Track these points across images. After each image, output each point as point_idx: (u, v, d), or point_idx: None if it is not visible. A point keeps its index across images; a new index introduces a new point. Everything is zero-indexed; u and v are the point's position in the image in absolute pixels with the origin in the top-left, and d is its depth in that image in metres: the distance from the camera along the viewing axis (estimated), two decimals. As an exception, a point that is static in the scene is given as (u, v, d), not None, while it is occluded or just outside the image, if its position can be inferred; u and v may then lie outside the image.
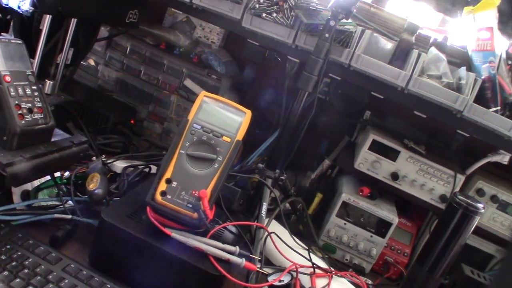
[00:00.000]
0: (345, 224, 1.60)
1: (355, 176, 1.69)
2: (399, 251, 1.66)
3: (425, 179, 1.56)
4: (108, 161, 1.50)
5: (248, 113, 1.18)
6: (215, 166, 1.11)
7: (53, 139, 1.18)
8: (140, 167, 1.51)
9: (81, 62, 1.95)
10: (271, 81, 1.79)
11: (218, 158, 1.12)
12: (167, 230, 1.07)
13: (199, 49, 1.97)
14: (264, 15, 1.40)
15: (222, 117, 1.16)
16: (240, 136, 1.15)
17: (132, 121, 1.86)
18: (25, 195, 1.25)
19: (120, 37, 1.91)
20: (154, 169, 1.54)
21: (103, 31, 1.92)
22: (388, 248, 1.64)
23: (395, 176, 1.57)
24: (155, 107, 1.92)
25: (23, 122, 1.05)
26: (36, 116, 1.09)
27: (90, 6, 1.39)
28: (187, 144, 1.12)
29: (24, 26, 1.41)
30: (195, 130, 1.13)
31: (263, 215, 1.31)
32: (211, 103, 1.17)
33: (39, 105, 1.11)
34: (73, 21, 1.44)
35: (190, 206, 1.07)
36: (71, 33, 1.46)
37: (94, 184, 1.20)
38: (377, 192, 1.63)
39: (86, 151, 1.24)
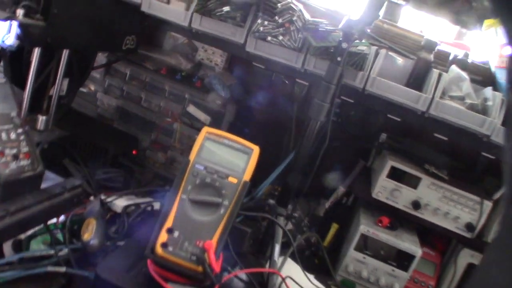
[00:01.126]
0: (364, 258, 1.48)
1: (372, 204, 1.57)
2: (423, 284, 1.54)
3: (449, 207, 1.44)
4: (108, 200, 1.39)
5: (256, 149, 1.07)
6: (221, 212, 1.00)
7: (43, 185, 1.08)
8: (142, 205, 1.40)
9: (81, 89, 1.87)
10: (279, 104, 1.69)
11: (224, 202, 1.01)
12: (169, 286, 0.96)
13: (202, 72, 1.86)
14: (269, 38, 1.29)
15: (227, 155, 1.06)
16: (247, 176, 1.04)
17: (134, 152, 1.76)
18: (17, 245, 1.15)
19: (119, 63, 1.82)
20: (157, 205, 1.44)
21: (101, 57, 1.83)
22: (411, 281, 1.52)
23: (416, 204, 1.45)
24: (158, 135, 1.82)
25: (7, 171, 0.95)
26: (22, 162, 0.99)
27: (82, 35, 1.29)
28: (189, 188, 1.01)
29: (15, 59, 1.32)
30: (198, 172, 1.02)
31: (276, 259, 1.19)
32: (214, 140, 1.06)
33: (26, 150, 1.01)
34: (66, 51, 1.35)
35: (194, 258, 0.96)
36: (64, 63, 1.36)
37: (89, 233, 1.10)
38: (398, 221, 1.52)
39: (80, 195, 1.13)
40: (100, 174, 1.56)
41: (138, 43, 1.60)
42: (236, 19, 1.29)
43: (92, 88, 1.90)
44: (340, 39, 1.20)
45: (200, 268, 0.96)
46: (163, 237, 0.97)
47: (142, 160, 1.82)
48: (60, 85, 1.39)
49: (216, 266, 0.96)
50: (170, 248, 0.97)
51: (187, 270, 0.97)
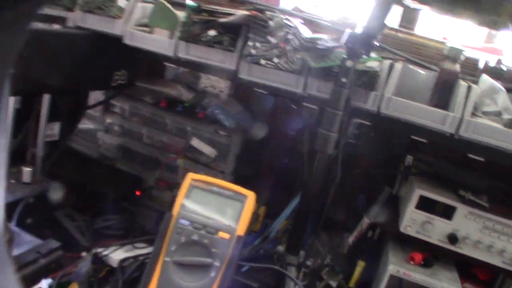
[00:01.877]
0: (397, 302, 1.28)
1: (402, 238, 1.37)
2: (469, 327, 1.32)
3: (493, 239, 1.23)
4: (104, 253, 1.26)
5: (251, 196, 0.91)
6: (212, 275, 0.85)
7: (16, 252, 0.95)
8: (141, 257, 1.26)
9: (84, 126, 1.77)
10: (291, 131, 1.52)
11: (215, 263, 0.85)
12: None
13: (207, 100, 1.73)
14: (263, 61, 1.13)
15: (217, 205, 0.90)
16: (241, 229, 0.88)
17: (137, 193, 1.63)
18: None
19: (117, 99, 1.70)
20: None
21: (99, 94, 1.72)
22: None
23: (453, 238, 1.24)
24: (162, 172, 1.68)
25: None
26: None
27: (60, 77, 1.18)
28: (172, 248, 0.86)
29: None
30: (183, 228, 0.87)
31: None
32: (201, 189, 0.91)
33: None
34: (46, 96, 1.23)
35: (182, 336, 0.81)
36: (46, 108, 1.25)
37: (68, 304, 0.96)
38: (433, 256, 1.31)
39: (59, 259, 1.00)
40: (99, 222, 1.44)
41: (131, 77, 1.47)
42: (224, 44, 1.14)
43: (92, 126, 1.80)
44: (344, 56, 1.03)
45: None
46: (144, 310, 0.83)
47: (147, 201, 1.69)
48: (44, 133, 1.28)
49: None
50: (153, 324, 0.82)
51: None
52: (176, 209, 0.89)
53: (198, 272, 0.85)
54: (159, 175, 1.69)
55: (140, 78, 1.68)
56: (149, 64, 1.75)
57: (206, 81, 1.73)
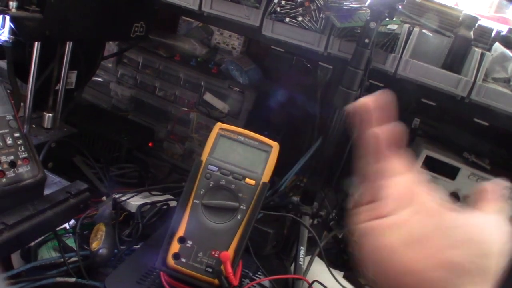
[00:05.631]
0: (397, 254, 1.36)
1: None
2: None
3: (492, 199, 1.30)
4: (122, 199, 1.32)
5: (275, 146, 0.96)
6: (238, 217, 0.91)
7: (47, 191, 1.00)
8: (158, 204, 1.32)
9: (95, 79, 1.79)
10: (302, 90, 1.56)
11: (241, 207, 0.91)
12: (184, 301, 0.87)
13: (219, 56, 1.75)
14: (287, 19, 1.16)
15: (243, 154, 0.95)
16: (266, 176, 0.93)
17: (150, 144, 1.68)
18: (26, 252, 1.09)
19: (131, 51, 1.72)
20: (173, 203, 1.35)
21: (112, 46, 1.73)
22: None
23: (455, 197, 1.32)
24: (174, 126, 1.73)
25: (4, 180, 0.87)
26: (21, 169, 0.91)
27: (84, 25, 1.20)
28: (202, 192, 0.92)
29: (19, 55, 1.23)
30: (211, 173, 0.92)
31: (301, 262, 1.09)
32: (228, 138, 0.96)
33: (24, 156, 0.93)
34: (69, 43, 1.25)
35: (210, 270, 0.87)
36: (68, 56, 1.27)
37: (98, 242, 1.02)
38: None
39: (87, 200, 1.05)
40: (114, 170, 1.49)
41: (148, 29, 1.49)
42: (250, 0, 1.16)
43: (105, 78, 1.82)
44: (368, 18, 1.06)
45: (216, 281, 0.87)
46: (174, 247, 0.89)
47: (159, 153, 1.74)
48: (65, 80, 1.30)
49: (234, 279, 0.87)
50: (183, 260, 0.88)
51: (203, 283, 0.88)
52: (205, 156, 0.93)
53: (225, 215, 0.90)
54: (171, 128, 1.73)
55: (153, 32, 1.70)
56: (162, 18, 1.76)
57: (219, 37, 1.75)
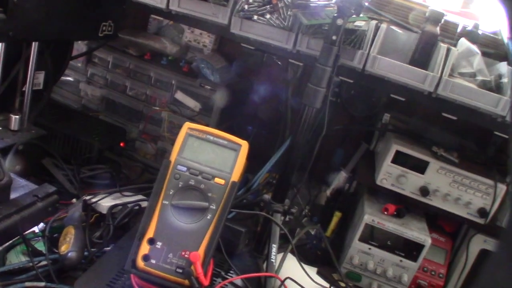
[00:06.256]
0: (369, 249, 1.38)
1: (377, 191, 1.46)
2: (433, 273, 1.44)
3: (460, 192, 1.33)
4: (92, 200, 1.30)
5: (244, 145, 0.96)
6: (208, 217, 0.90)
7: (13, 195, 0.98)
8: (130, 205, 1.31)
9: (64, 79, 1.75)
10: (273, 87, 1.56)
11: (211, 207, 0.91)
12: (153, 303, 0.87)
13: (190, 54, 1.74)
14: (255, 17, 1.16)
15: (212, 153, 0.95)
16: (236, 175, 0.93)
17: (121, 144, 1.65)
18: (-6, 257, 1.06)
19: (100, 50, 1.69)
20: (145, 204, 1.34)
21: (81, 45, 1.71)
22: (420, 270, 1.43)
23: (425, 191, 1.34)
24: (146, 125, 1.71)
25: (-34, 185, 0.85)
26: (-16, 174, 0.89)
27: (50, 25, 1.17)
28: (171, 192, 0.91)
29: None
30: (180, 174, 0.92)
31: (273, 260, 1.10)
32: (197, 137, 0.96)
33: (-13, 160, 0.90)
34: (35, 44, 1.23)
35: (180, 271, 0.87)
36: (35, 56, 1.24)
37: (67, 245, 1.00)
38: (405, 208, 1.41)
39: (55, 203, 1.03)
40: (85, 172, 1.46)
41: (116, 28, 1.47)
42: (218, -2, 1.16)
43: (74, 78, 1.79)
44: (335, 15, 1.07)
45: (187, 282, 0.87)
46: (144, 248, 0.88)
47: (131, 153, 1.72)
48: (32, 80, 1.27)
49: (205, 279, 0.87)
50: (153, 261, 0.88)
51: (173, 284, 0.87)
52: (173, 156, 0.93)
53: (195, 215, 0.90)
54: (143, 127, 1.72)
55: (123, 31, 1.68)
56: (132, 17, 1.74)
57: (190, 35, 1.74)
